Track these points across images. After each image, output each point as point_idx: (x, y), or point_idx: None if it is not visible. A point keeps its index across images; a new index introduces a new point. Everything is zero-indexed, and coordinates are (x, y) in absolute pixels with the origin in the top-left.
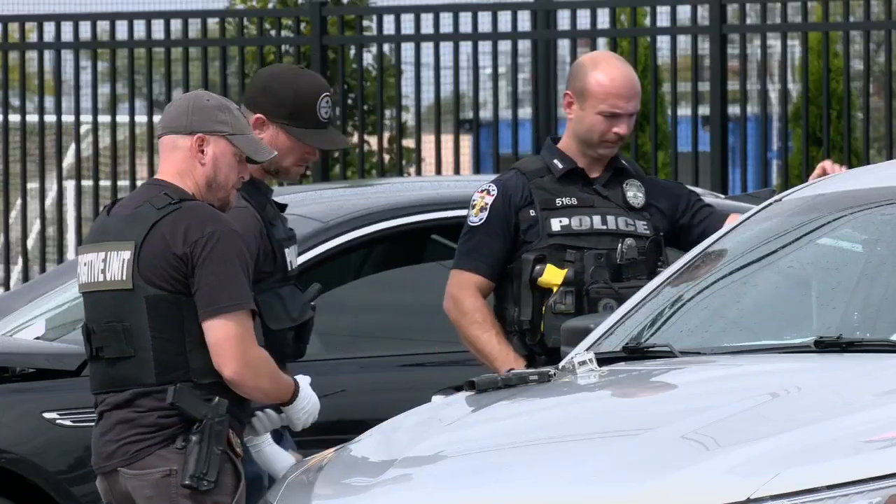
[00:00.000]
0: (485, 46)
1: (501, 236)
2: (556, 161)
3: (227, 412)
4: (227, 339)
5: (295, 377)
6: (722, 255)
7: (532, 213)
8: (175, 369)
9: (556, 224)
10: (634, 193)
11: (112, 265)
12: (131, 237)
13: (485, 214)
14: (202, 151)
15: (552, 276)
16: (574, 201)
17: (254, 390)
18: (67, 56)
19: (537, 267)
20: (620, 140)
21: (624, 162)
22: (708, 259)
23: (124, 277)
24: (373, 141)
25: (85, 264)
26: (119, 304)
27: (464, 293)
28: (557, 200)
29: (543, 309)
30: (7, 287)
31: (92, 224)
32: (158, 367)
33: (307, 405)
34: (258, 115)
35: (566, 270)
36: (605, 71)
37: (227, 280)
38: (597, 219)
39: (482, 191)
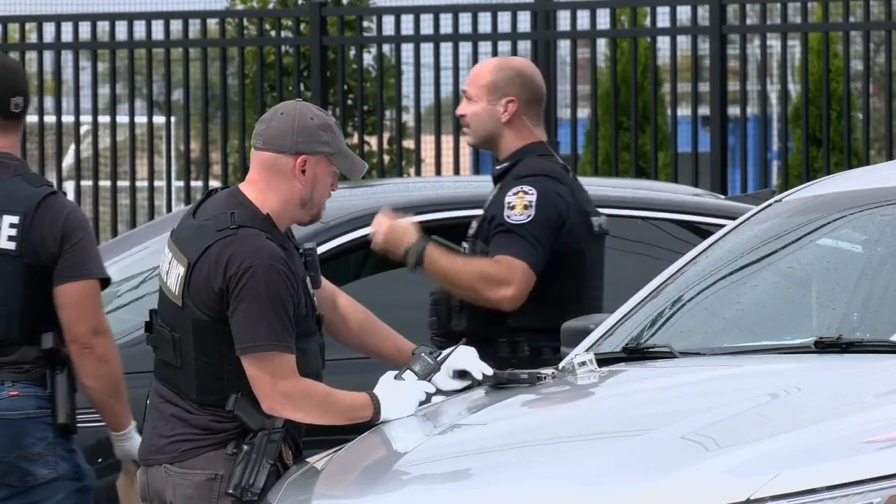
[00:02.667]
0: (484, 47)
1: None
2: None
3: (283, 426)
4: (256, 377)
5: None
6: (722, 255)
7: None
8: (214, 392)
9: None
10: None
11: (172, 274)
12: (188, 254)
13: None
14: (303, 172)
15: None
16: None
17: (303, 420)
18: (67, 56)
19: None
20: (461, 121)
21: (506, 163)
22: (708, 259)
23: (177, 293)
24: (373, 141)
25: (164, 255)
26: (173, 314)
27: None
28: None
29: None
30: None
31: (186, 210)
32: (199, 387)
33: (394, 409)
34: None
35: None
36: None
37: (257, 319)
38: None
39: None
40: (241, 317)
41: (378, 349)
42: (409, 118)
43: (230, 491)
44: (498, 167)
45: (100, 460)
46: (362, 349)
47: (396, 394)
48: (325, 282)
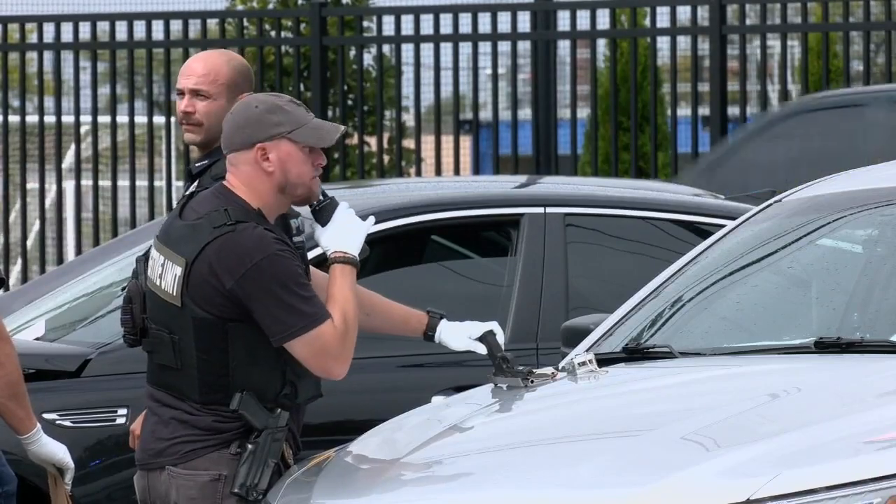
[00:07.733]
0: (484, 47)
1: None
2: None
3: (286, 425)
4: (310, 358)
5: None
6: (722, 255)
7: None
8: (218, 390)
9: None
10: None
11: (167, 275)
12: (184, 253)
13: None
14: (267, 160)
15: None
16: None
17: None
18: (67, 56)
19: None
20: (187, 119)
21: (206, 161)
22: (708, 259)
23: (175, 293)
24: (372, 142)
25: (152, 258)
26: (170, 316)
27: None
28: None
29: None
30: (6, 287)
31: (169, 214)
32: (202, 386)
33: (350, 238)
34: None
35: None
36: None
37: (282, 309)
38: None
39: None
40: (267, 313)
41: (390, 315)
42: (409, 118)
43: (235, 490)
44: (199, 164)
45: (100, 460)
46: (367, 324)
47: (350, 234)
48: (315, 273)
